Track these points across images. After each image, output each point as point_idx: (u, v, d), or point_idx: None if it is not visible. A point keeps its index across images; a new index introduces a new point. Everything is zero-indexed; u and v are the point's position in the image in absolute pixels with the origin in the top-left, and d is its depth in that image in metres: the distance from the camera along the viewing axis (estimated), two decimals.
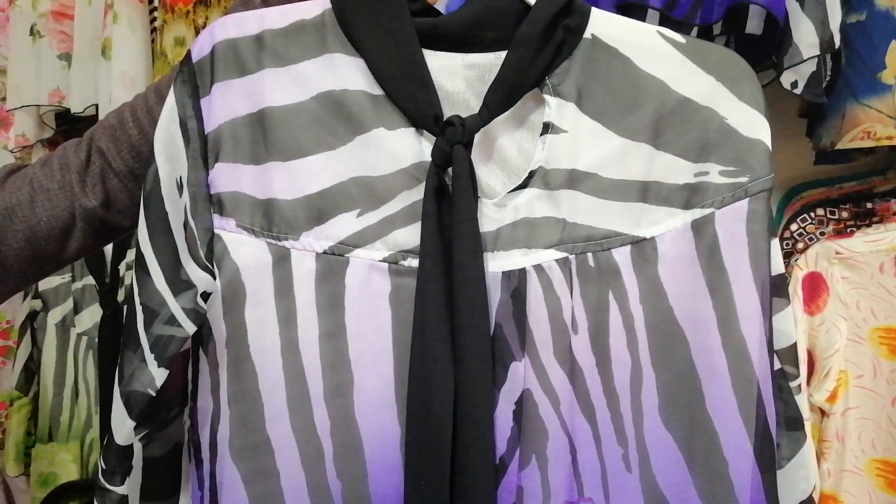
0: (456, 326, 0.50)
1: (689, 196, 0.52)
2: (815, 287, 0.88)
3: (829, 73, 0.81)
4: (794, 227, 0.95)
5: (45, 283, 1.41)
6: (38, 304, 1.43)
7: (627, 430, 0.53)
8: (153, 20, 1.09)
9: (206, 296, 0.53)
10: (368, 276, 0.53)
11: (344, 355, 0.53)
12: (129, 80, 1.07)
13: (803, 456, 0.54)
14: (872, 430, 0.88)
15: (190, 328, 0.53)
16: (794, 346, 0.54)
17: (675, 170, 0.53)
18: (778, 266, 0.53)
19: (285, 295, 0.52)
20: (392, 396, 0.52)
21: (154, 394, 0.53)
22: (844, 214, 0.94)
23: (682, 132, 0.53)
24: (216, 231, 0.53)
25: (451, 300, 0.51)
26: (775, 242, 0.52)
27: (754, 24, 0.79)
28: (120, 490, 0.55)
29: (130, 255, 1.35)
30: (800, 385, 0.54)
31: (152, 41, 1.11)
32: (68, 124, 1.35)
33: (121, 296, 1.36)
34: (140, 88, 1.08)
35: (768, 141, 0.52)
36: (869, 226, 0.91)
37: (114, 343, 1.35)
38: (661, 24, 0.83)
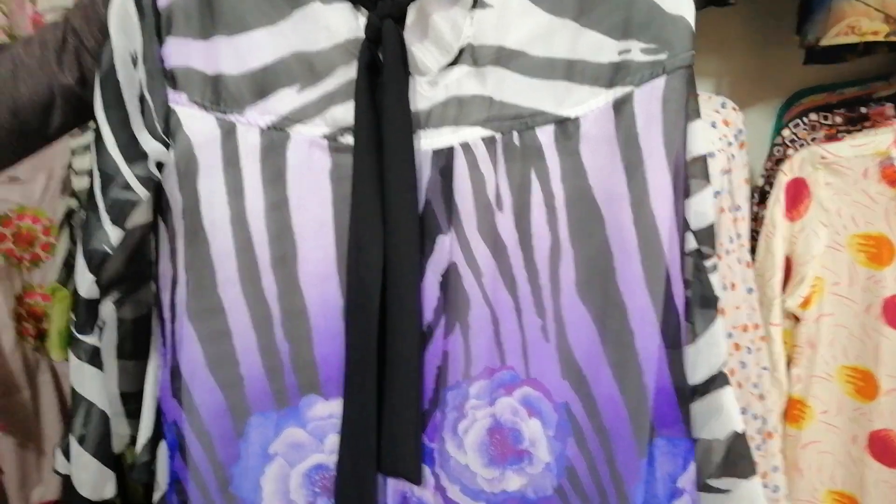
0: (385, 201, 0.52)
1: (612, 75, 0.53)
2: (797, 193, 0.87)
3: None
4: (786, 132, 0.93)
5: (79, 183, 1.49)
6: (73, 202, 1.51)
7: (546, 303, 0.55)
8: None
9: (160, 166, 0.57)
10: (309, 152, 0.55)
11: (288, 227, 0.56)
12: None
13: (715, 333, 0.55)
14: (845, 338, 0.88)
15: (143, 193, 0.57)
16: (712, 226, 0.55)
17: (601, 48, 0.53)
18: (697, 148, 0.53)
19: (233, 167, 0.55)
20: (334, 268, 0.56)
21: (110, 251, 0.57)
22: (838, 119, 0.91)
23: (608, 10, 0.52)
24: (170, 105, 0.55)
25: (383, 176, 0.53)
26: (697, 123, 0.53)
27: None
28: (90, 340, 0.61)
29: None
30: (715, 265, 0.55)
31: None
32: None
33: None
34: None
35: (691, 18, 0.52)
36: (860, 131, 0.88)
37: None
38: None
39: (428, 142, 0.55)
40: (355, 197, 0.54)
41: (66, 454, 0.65)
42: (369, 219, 0.53)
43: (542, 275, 0.55)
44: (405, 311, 0.53)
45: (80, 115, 0.67)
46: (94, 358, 0.61)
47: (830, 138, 0.90)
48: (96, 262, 0.58)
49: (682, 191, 0.53)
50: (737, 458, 0.56)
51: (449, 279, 0.55)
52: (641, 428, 0.54)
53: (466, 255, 0.55)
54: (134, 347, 0.65)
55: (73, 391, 0.63)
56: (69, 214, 1.54)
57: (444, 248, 0.55)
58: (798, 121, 0.93)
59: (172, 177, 0.56)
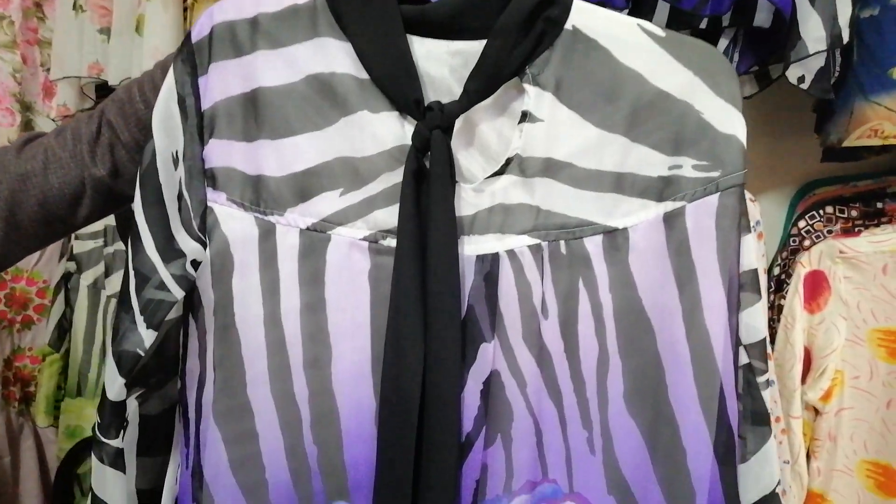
0: (428, 306, 0.52)
1: (662, 188, 0.53)
2: (816, 285, 0.87)
3: (837, 69, 0.80)
4: (802, 223, 0.94)
5: (80, 247, 1.47)
6: (72, 266, 1.50)
7: (592, 415, 0.54)
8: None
9: (196, 264, 0.56)
10: (349, 253, 0.55)
11: (323, 328, 0.55)
12: (160, 55, 1.10)
13: (768, 451, 0.54)
14: (865, 432, 0.87)
15: (178, 293, 0.56)
16: (764, 341, 0.54)
17: (650, 162, 0.53)
18: (749, 262, 0.53)
19: (270, 267, 0.55)
20: (368, 370, 0.55)
21: (143, 354, 0.56)
22: (854, 213, 0.93)
23: (658, 125, 0.53)
24: (209, 203, 0.55)
25: (425, 280, 0.52)
26: (748, 238, 0.53)
27: (762, 17, 0.78)
28: (114, 443, 0.58)
29: None
30: (768, 380, 0.55)
31: (185, 19, 1.15)
32: (106, 95, 1.40)
33: None
34: None
35: (743, 137, 0.52)
36: (877, 226, 0.90)
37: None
38: (671, 14, 0.83)
39: (472, 248, 0.54)
40: (395, 299, 0.53)
41: None
42: (410, 323, 0.52)
43: (589, 386, 0.54)
44: (445, 420, 0.52)
45: (108, 205, 0.66)
46: (117, 460, 0.59)
47: (847, 232, 0.92)
48: (128, 366, 0.56)
49: (736, 305, 0.52)
50: None
51: (491, 388, 0.54)
52: None
53: (510, 364, 0.54)
54: (155, 445, 0.63)
55: (93, 495, 0.60)
56: (66, 277, 1.53)
57: (487, 356, 0.54)
58: (814, 212, 0.94)
59: (206, 274, 0.56)
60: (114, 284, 1.41)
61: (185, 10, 1.15)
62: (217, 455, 0.55)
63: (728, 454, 0.52)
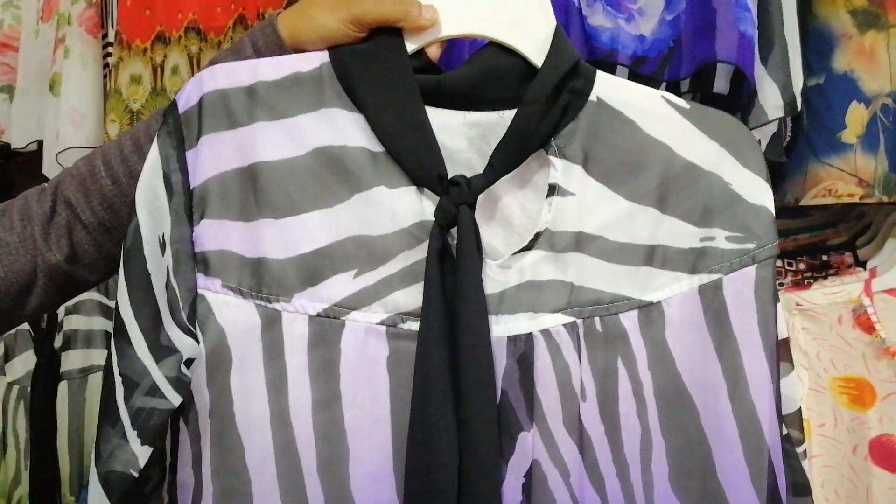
0: (461, 394, 0.48)
1: (694, 260, 0.52)
2: None
3: (789, 133, 0.84)
4: None
5: None
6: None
7: (637, 499, 0.51)
8: (107, 56, 1.04)
9: (189, 362, 0.50)
10: (365, 340, 0.50)
11: (339, 425, 0.50)
12: (79, 116, 1.01)
13: None
14: (835, 478, 0.89)
15: (175, 399, 0.49)
16: (800, 410, 0.54)
17: (681, 234, 0.52)
18: (782, 331, 0.53)
19: (275, 360, 0.49)
20: (390, 468, 0.50)
21: (136, 475, 0.49)
22: (801, 266, 0.97)
23: (686, 196, 0.53)
24: (200, 291, 0.50)
25: (454, 366, 0.49)
26: (778, 307, 0.53)
27: (721, 84, 0.81)
28: None
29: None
30: (805, 451, 0.54)
31: (105, 77, 1.06)
32: (5, 158, 1.28)
33: (58, 342, 1.27)
34: (90, 126, 1.02)
35: (772, 208, 0.53)
36: (825, 278, 0.94)
37: (48, 394, 1.26)
38: (630, 78, 0.84)
39: (501, 328, 0.51)
40: (421, 387, 0.49)
41: None
42: (441, 413, 0.48)
43: (633, 469, 0.51)
44: None
45: (63, 294, 0.58)
46: None
47: (798, 284, 0.95)
48: (119, 490, 0.49)
49: (777, 376, 0.52)
50: None
51: (532, 480, 0.50)
52: None
53: (551, 452, 0.51)
54: None
55: None
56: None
57: (527, 446, 0.50)
58: None
59: (200, 371, 0.49)
60: (15, 369, 1.26)
61: (105, 66, 1.06)
62: None
63: None
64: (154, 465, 0.55)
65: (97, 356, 1.29)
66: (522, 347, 0.51)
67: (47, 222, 0.55)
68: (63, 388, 1.28)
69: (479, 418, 0.48)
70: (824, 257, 0.96)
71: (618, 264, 0.52)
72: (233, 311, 0.49)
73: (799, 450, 0.54)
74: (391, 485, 0.50)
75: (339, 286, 0.50)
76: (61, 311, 1.30)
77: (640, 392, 0.51)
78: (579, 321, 0.51)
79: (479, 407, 0.48)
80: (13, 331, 1.28)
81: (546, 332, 0.51)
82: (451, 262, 0.50)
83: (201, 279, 0.50)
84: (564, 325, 0.51)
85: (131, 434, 0.49)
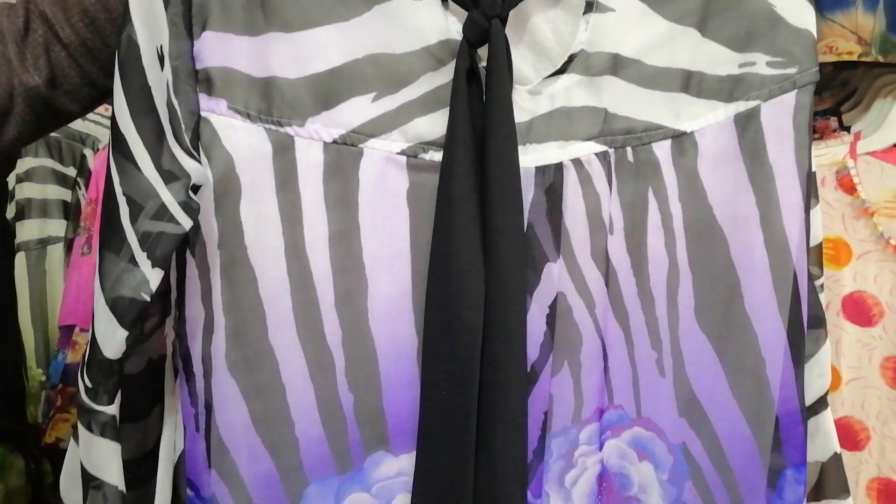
0: (488, 226, 0.46)
1: (732, 88, 0.50)
2: None
3: None
4: None
5: None
6: None
7: (662, 334, 0.51)
8: None
9: (195, 189, 0.46)
10: (384, 171, 0.47)
11: (356, 258, 0.48)
12: None
13: (824, 353, 0.55)
14: None
15: (186, 223, 0.45)
16: (820, 245, 0.54)
17: (720, 60, 0.50)
18: (812, 163, 0.52)
19: (288, 190, 0.46)
20: (409, 304, 0.48)
21: (148, 298, 0.45)
22: None
23: (729, 19, 0.50)
24: (203, 114, 0.45)
25: (480, 197, 0.46)
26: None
27: None
28: (108, 410, 0.48)
29: (21, 165, 1.19)
30: (822, 285, 0.55)
31: None
32: None
33: (10, 211, 1.20)
34: None
35: (815, 31, 0.50)
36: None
37: (4, 264, 1.20)
38: None
39: (529, 158, 0.49)
40: (444, 221, 0.47)
41: None
42: (467, 246, 0.46)
43: (659, 304, 0.51)
44: (510, 351, 0.47)
45: (42, 124, 0.53)
46: (109, 429, 0.48)
47: None
48: (131, 315, 0.45)
49: (808, 206, 0.51)
50: (834, 479, 0.56)
51: (556, 312, 0.49)
52: (768, 456, 0.51)
53: (577, 284, 0.50)
54: (137, 407, 0.53)
55: (84, 472, 0.49)
56: None
57: (552, 278, 0.49)
58: None
59: (207, 200, 0.46)
60: None
61: None
62: (235, 412, 0.47)
63: (801, 358, 0.51)
64: (154, 304, 0.53)
65: (55, 226, 1.23)
66: (551, 178, 0.49)
67: (21, 40, 0.49)
68: (21, 259, 1.22)
69: (507, 251, 0.46)
70: None
71: (653, 90, 0.49)
72: (240, 136, 0.45)
73: (817, 283, 0.55)
74: (410, 322, 0.48)
75: (357, 110, 0.47)
76: (11, 179, 1.22)
77: (669, 224, 0.50)
78: (611, 150, 0.49)
79: (508, 239, 0.46)
80: None
81: (577, 162, 0.49)
82: (478, 85, 0.47)
83: (204, 100, 0.45)
84: (596, 154, 0.49)
85: (140, 256, 0.45)
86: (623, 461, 0.52)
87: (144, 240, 0.45)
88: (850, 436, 0.92)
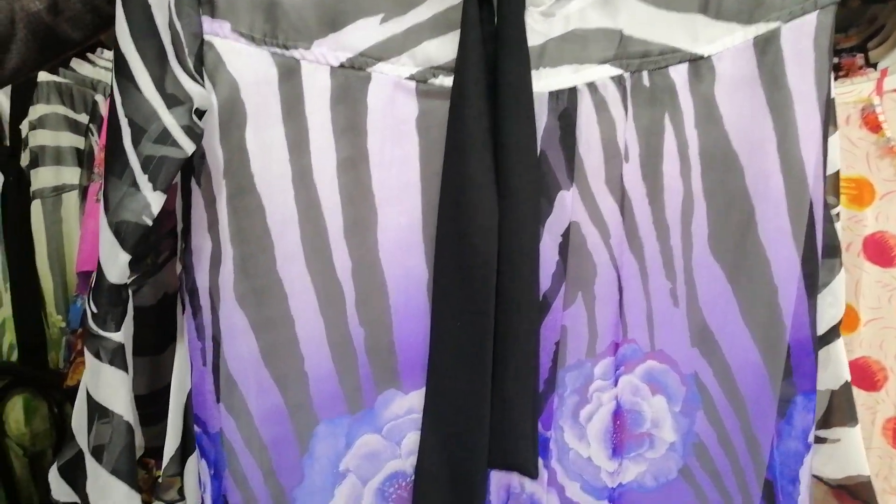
0: (500, 153, 0.45)
1: (751, 9, 0.48)
2: None
3: None
4: None
5: None
6: None
7: (676, 264, 0.51)
8: None
9: (199, 114, 0.45)
10: (393, 96, 0.46)
11: (365, 187, 0.47)
12: None
13: (838, 282, 0.54)
14: None
15: (189, 147, 0.44)
16: (837, 174, 0.53)
17: None
18: (832, 88, 0.50)
19: (295, 116, 0.45)
20: (419, 235, 0.48)
21: (150, 222, 0.45)
22: None
23: None
24: (206, 37, 0.44)
25: (492, 123, 0.45)
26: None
27: None
28: (115, 337, 0.47)
29: (33, 112, 1.18)
30: (838, 213, 0.54)
31: None
32: None
33: (24, 160, 1.20)
34: None
35: None
36: (835, 80, 0.91)
37: (20, 212, 1.21)
38: None
39: (542, 83, 0.47)
40: (456, 148, 0.46)
41: (69, 477, 0.52)
42: (480, 173, 0.45)
43: (674, 232, 0.50)
44: (521, 281, 0.47)
45: (45, 52, 0.52)
46: (117, 357, 0.48)
47: None
48: (133, 239, 0.45)
49: (827, 132, 0.50)
50: (844, 407, 0.56)
51: (570, 241, 0.48)
52: (779, 384, 0.51)
53: (591, 213, 0.49)
54: (151, 341, 0.53)
55: (90, 400, 0.49)
56: None
57: (565, 206, 0.48)
58: None
59: (212, 126, 0.45)
60: None
61: None
62: (244, 345, 0.47)
63: (814, 286, 0.50)
64: (165, 238, 0.53)
65: (69, 174, 1.22)
66: (565, 103, 0.47)
67: None
68: (37, 206, 1.22)
69: (520, 178, 0.45)
70: (835, 60, 0.93)
71: (670, 11, 0.48)
72: (245, 61, 0.44)
73: (833, 212, 0.53)
74: (421, 253, 0.48)
75: (364, 33, 0.45)
76: (25, 126, 1.22)
77: (685, 151, 0.49)
78: (627, 74, 0.48)
79: (521, 166, 0.45)
80: None
81: (591, 86, 0.48)
82: (490, 7, 0.45)
83: (207, 22, 0.44)
84: (612, 78, 0.48)
85: (142, 179, 0.44)
86: (636, 397, 0.52)
87: (147, 163, 0.44)
88: (868, 376, 0.91)
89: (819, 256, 0.50)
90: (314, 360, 0.47)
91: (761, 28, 0.48)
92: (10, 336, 1.26)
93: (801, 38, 0.48)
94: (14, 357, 1.27)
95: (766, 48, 0.48)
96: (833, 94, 0.51)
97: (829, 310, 0.54)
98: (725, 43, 0.48)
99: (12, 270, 1.22)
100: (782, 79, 0.48)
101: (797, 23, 0.48)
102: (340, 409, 0.48)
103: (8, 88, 1.18)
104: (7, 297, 1.24)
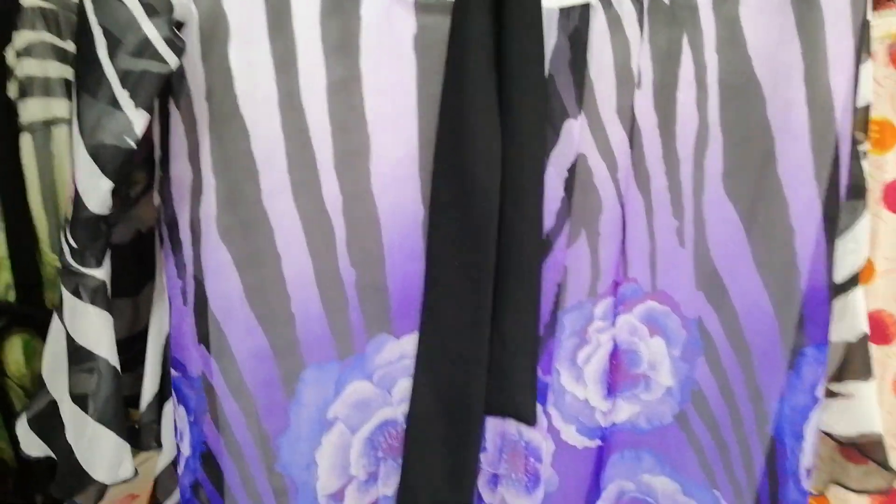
0: (504, 76, 0.41)
1: None
2: None
3: None
4: None
5: None
6: None
7: (685, 201, 0.47)
8: None
9: (178, 26, 0.41)
10: (389, 11, 0.42)
11: (358, 113, 0.43)
12: None
13: (862, 227, 0.51)
14: None
15: (172, 61, 0.40)
16: (868, 108, 0.49)
17: None
18: (869, 12, 0.46)
19: (281, 31, 0.41)
20: (415, 167, 0.44)
21: (134, 144, 0.41)
22: None
23: None
24: None
25: (496, 43, 0.41)
26: None
27: None
28: (97, 273, 0.45)
29: (19, 38, 1.13)
30: (866, 151, 0.50)
31: None
32: None
33: (11, 90, 1.15)
34: None
35: None
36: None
37: (9, 146, 1.17)
38: None
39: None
40: (457, 71, 0.42)
41: (41, 429, 0.50)
42: (481, 99, 0.42)
43: (684, 167, 0.47)
44: (524, 217, 0.44)
45: None
46: (99, 296, 0.45)
47: None
48: (114, 163, 0.42)
49: (860, 58, 0.45)
50: (860, 361, 0.53)
51: (576, 176, 0.45)
52: (789, 334, 0.48)
53: (600, 144, 0.45)
54: (127, 281, 0.51)
55: (70, 342, 0.46)
56: None
57: (573, 136, 0.45)
58: None
59: (192, 43, 0.41)
60: None
61: None
62: (227, 282, 0.44)
63: (834, 230, 0.47)
64: (140, 168, 0.49)
65: (59, 107, 1.17)
66: (576, 20, 0.43)
67: None
68: (27, 140, 1.18)
69: (525, 101, 0.42)
70: None
71: None
72: None
73: (860, 148, 0.50)
74: (416, 187, 0.45)
75: None
76: (9, 53, 1.17)
77: (702, 78, 0.45)
78: None
79: (526, 89, 0.41)
80: None
81: (606, 2, 0.43)
82: None
83: None
84: None
85: (122, 96, 0.41)
86: (633, 337, 0.50)
87: (126, 78, 0.40)
88: (880, 329, 0.89)
89: (842, 197, 0.47)
90: (301, 300, 0.45)
91: None
92: (5, 276, 1.24)
93: None
94: (11, 297, 1.25)
95: None
96: (869, 16, 0.46)
97: (850, 256, 0.51)
98: None
99: (6, 208, 1.19)
100: None
101: None
102: (329, 354, 0.46)
103: None
104: (1, 236, 1.22)
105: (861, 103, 0.48)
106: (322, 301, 0.45)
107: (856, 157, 0.49)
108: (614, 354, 0.50)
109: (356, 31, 0.42)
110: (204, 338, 0.45)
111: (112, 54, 0.40)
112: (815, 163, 0.46)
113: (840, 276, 0.51)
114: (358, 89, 0.43)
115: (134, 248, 0.50)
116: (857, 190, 0.50)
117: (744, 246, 0.48)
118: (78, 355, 0.46)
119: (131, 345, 0.52)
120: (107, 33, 0.40)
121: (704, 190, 0.47)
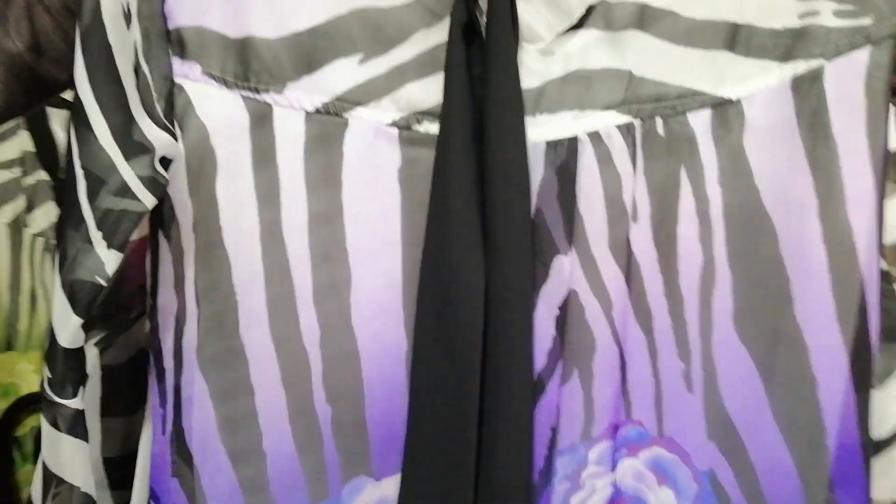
0: (489, 211, 0.40)
1: (790, 44, 0.41)
2: None
3: None
4: None
5: None
6: None
7: (692, 342, 0.43)
8: None
9: (165, 163, 0.42)
10: (373, 144, 0.42)
11: (340, 245, 0.42)
12: None
13: None
14: None
15: (148, 201, 0.42)
16: None
17: (775, 9, 0.41)
18: (893, 140, 0.42)
19: (266, 165, 0.42)
20: (399, 300, 0.43)
21: (104, 283, 0.42)
22: None
23: None
24: (177, 80, 0.41)
25: (480, 177, 0.40)
26: (893, 109, 0.42)
27: None
28: (72, 404, 0.45)
29: None
30: None
31: None
32: None
33: None
34: None
35: None
36: None
37: None
38: None
39: (538, 131, 0.42)
40: (439, 204, 0.41)
41: None
42: (464, 233, 0.40)
43: (689, 305, 0.43)
44: (514, 357, 0.41)
45: (30, 94, 0.51)
46: (76, 426, 0.45)
47: None
48: (85, 300, 0.43)
49: (883, 194, 0.42)
50: None
51: (567, 313, 0.42)
52: (817, 497, 0.42)
53: (592, 281, 0.42)
54: (122, 402, 0.50)
55: (45, 469, 0.46)
56: None
57: (563, 273, 0.42)
58: None
59: (181, 176, 0.42)
60: (38, 221, 1.23)
61: None
62: (202, 416, 0.43)
63: (866, 380, 0.42)
64: (136, 294, 0.50)
65: None
66: (564, 154, 0.42)
67: (2, 4, 0.47)
68: None
69: (510, 240, 0.40)
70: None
71: (690, 48, 0.41)
72: (216, 105, 0.41)
73: (895, 286, 0.45)
74: (399, 320, 0.43)
75: (342, 74, 0.41)
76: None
77: (705, 212, 0.42)
78: (637, 121, 0.42)
79: (512, 226, 0.40)
80: (33, 181, 1.24)
81: (595, 135, 0.42)
82: (480, 44, 0.40)
83: (177, 64, 0.41)
84: (618, 127, 0.42)
85: (96, 237, 0.42)
86: (640, 483, 0.45)
87: (104, 219, 0.42)
88: None
89: (873, 344, 0.41)
90: (273, 437, 0.43)
91: (801, 66, 0.41)
92: None
93: (850, 79, 0.40)
94: None
95: (808, 91, 0.41)
96: (892, 146, 0.42)
97: (893, 405, 0.45)
98: (758, 84, 0.41)
99: None
100: (826, 128, 0.40)
101: (844, 60, 0.40)
102: (300, 497, 0.43)
103: None
104: None
105: (890, 240, 0.44)
106: (294, 439, 0.43)
107: (889, 295, 0.44)
108: (617, 501, 0.45)
109: (339, 164, 0.42)
110: (177, 471, 0.44)
111: (91, 196, 0.42)
112: (838, 306, 0.41)
113: (883, 430, 0.44)
114: (339, 221, 0.42)
115: (130, 369, 0.50)
116: (893, 332, 0.44)
117: (761, 395, 0.43)
118: (51, 483, 0.45)
119: (127, 462, 0.51)
120: (88, 175, 0.42)
121: (713, 332, 0.43)
